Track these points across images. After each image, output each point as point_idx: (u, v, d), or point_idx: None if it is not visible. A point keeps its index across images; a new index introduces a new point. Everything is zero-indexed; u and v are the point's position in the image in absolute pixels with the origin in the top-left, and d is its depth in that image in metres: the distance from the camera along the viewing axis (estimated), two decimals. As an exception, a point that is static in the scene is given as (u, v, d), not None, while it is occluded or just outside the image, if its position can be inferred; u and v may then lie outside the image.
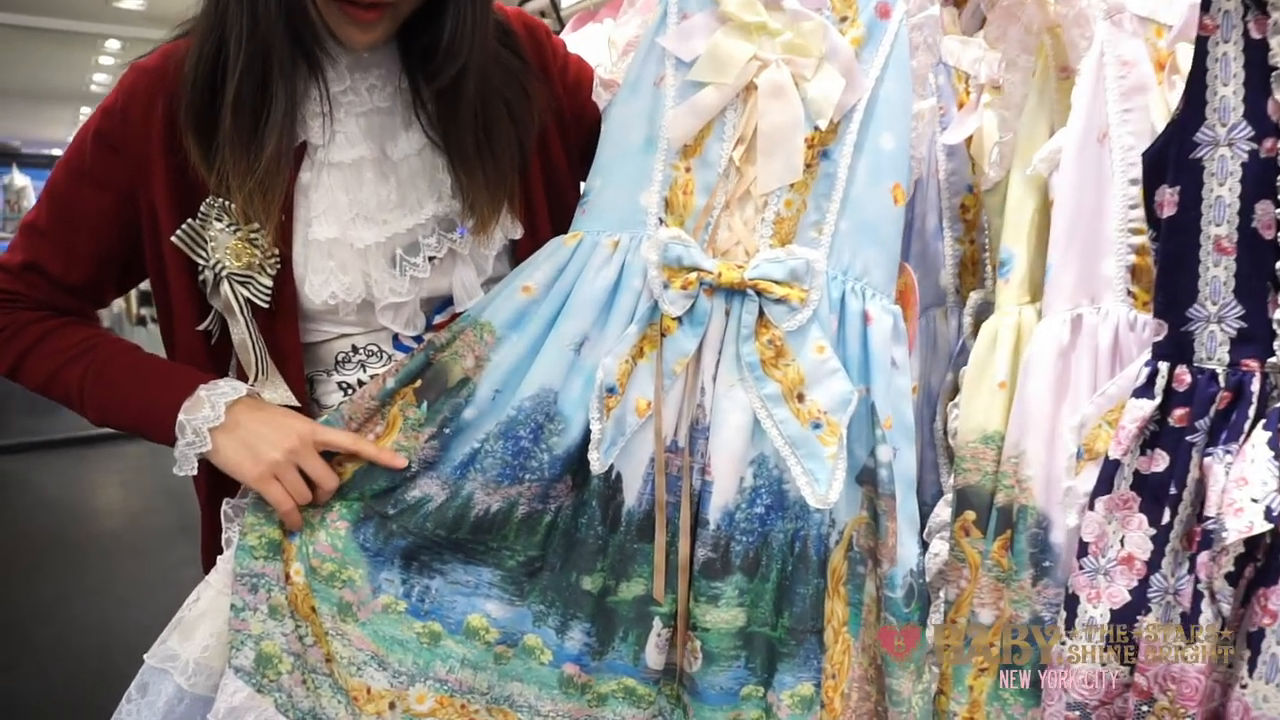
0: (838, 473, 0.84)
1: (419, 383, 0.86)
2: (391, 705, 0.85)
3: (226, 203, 0.82)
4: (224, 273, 0.83)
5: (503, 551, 0.86)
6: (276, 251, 0.84)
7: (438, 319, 0.92)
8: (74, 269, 0.87)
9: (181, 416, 0.83)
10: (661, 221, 0.86)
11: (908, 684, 0.85)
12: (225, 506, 0.86)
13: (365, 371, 0.91)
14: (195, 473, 0.85)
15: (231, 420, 0.83)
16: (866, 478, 0.87)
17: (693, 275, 0.83)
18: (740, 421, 0.84)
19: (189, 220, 0.83)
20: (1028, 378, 0.88)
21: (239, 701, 0.82)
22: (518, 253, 0.92)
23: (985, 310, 0.96)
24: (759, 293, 0.83)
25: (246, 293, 0.84)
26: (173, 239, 0.84)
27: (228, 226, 0.83)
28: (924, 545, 0.91)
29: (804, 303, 0.84)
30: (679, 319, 0.84)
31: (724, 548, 0.85)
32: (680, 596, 0.85)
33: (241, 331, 0.85)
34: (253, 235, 0.83)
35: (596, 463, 0.84)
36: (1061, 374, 0.87)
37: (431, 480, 0.86)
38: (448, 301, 0.92)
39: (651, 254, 0.84)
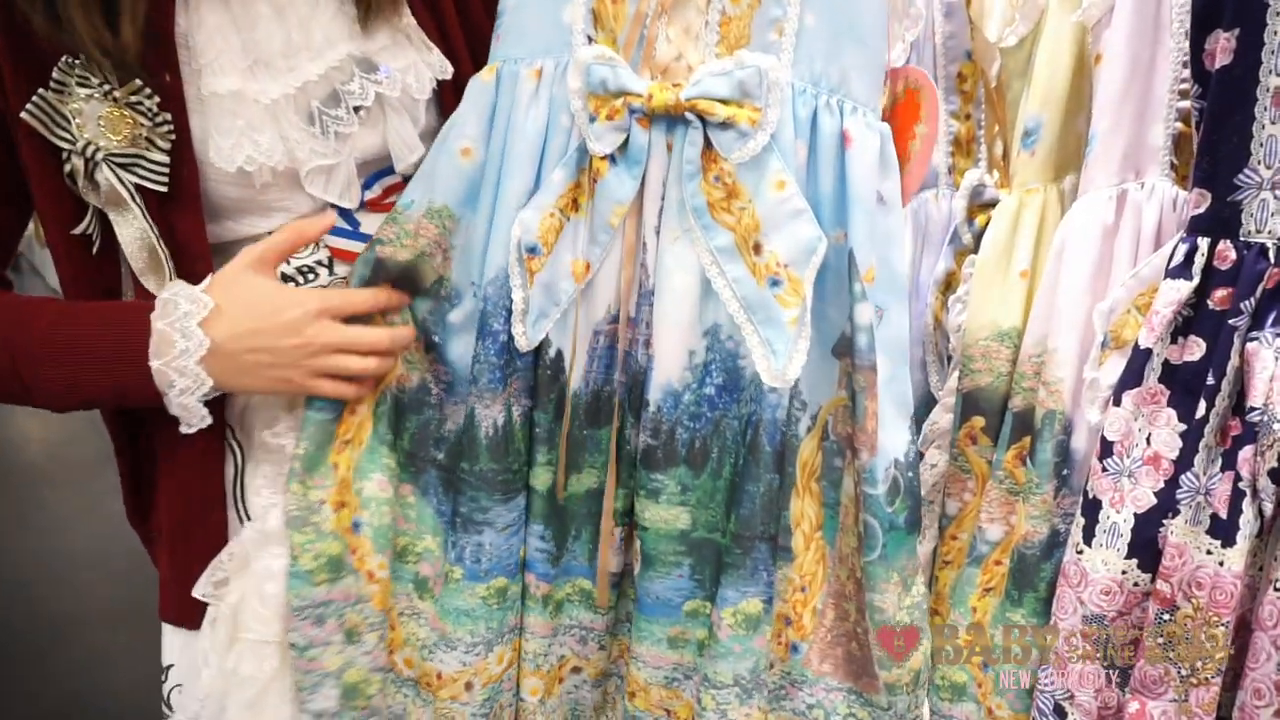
0: (799, 343, 0.70)
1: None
2: (468, 686, 0.77)
3: (89, 61, 0.67)
4: (99, 155, 0.68)
5: (524, 471, 0.77)
6: (168, 116, 0.69)
7: (376, 186, 0.80)
8: None
9: (155, 364, 0.68)
10: (590, 39, 0.71)
11: (892, 599, 0.73)
12: (246, 532, 0.76)
13: (289, 264, 0.76)
14: (211, 421, 0.72)
15: (216, 341, 0.69)
16: (844, 348, 0.72)
17: (620, 101, 0.68)
18: (686, 283, 0.71)
19: (40, 91, 0.67)
20: (1062, 264, 0.79)
21: None
22: (443, 104, 0.80)
23: (980, 193, 0.86)
24: (701, 116, 0.67)
25: (134, 177, 0.69)
26: (23, 115, 0.67)
27: (96, 92, 0.68)
28: (920, 454, 0.79)
29: (756, 125, 0.67)
30: (610, 158, 0.69)
31: (667, 434, 0.72)
32: (608, 488, 0.75)
33: (138, 227, 0.70)
34: (133, 98, 0.68)
35: (522, 338, 0.72)
36: (1101, 260, 0.77)
37: (459, 406, 0.76)
38: (385, 168, 0.80)
39: (574, 80, 0.69)
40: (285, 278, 0.78)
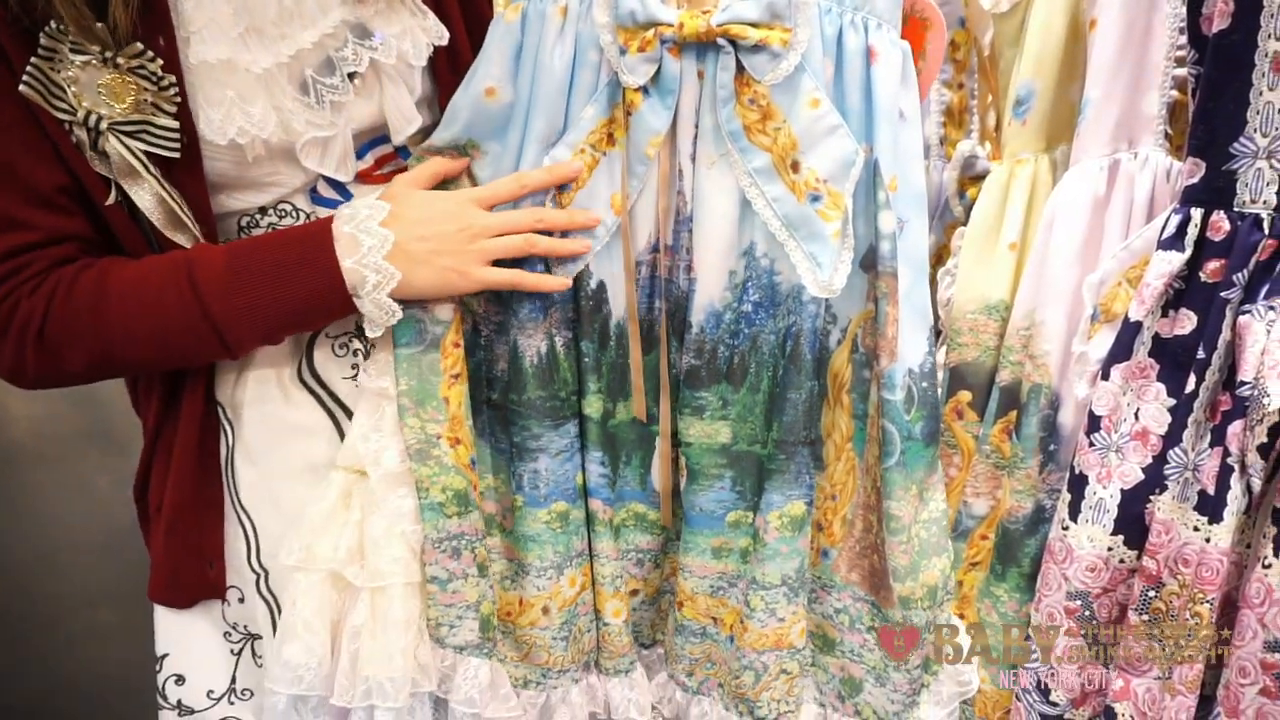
0: (844, 254, 0.71)
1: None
2: (545, 610, 0.79)
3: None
4: (103, 124, 0.66)
5: (572, 398, 0.78)
6: (173, 78, 0.67)
7: (369, 155, 0.77)
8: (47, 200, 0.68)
9: (346, 263, 0.70)
10: None
11: (908, 509, 0.74)
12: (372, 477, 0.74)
13: None
14: (397, 319, 0.73)
15: (398, 237, 0.70)
16: (870, 260, 0.73)
17: (650, 32, 0.68)
18: (725, 206, 0.73)
19: (32, 59, 0.64)
20: (1052, 235, 0.77)
21: (485, 677, 0.76)
22: (438, 74, 0.77)
23: (972, 164, 0.85)
24: (732, 41, 0.68)
25: (143, 145, 0.67)
26: (21, 88, 0.65)
27: (95, 59, 0.65)
28: (935, 366, 0.78)
29: (788, 46, 0.68)
30: (643, 89, 0.70)
31: (709, 353, 0.75)
32: (663, 410, 0.78)
33: (153, 195, 0.69)
34: (135, 62, 0.66)
35: (560, 270, 0.74)
36: (1092, 232, 0.76)
37: (506, 344, 0.78)
38: (378, 138, 0.77)
39: (602, 14, 0.69)
40: None
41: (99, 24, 0.64)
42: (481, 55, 0.74)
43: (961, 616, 0.85)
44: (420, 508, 0.74)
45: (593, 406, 0.78)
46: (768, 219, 0.71)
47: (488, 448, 0.80)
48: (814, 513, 0.79)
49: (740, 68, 0.69)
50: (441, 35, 0.75)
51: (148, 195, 0.69)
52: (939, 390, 0.80)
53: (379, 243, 0.70)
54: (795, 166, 0.71)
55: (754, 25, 0.67)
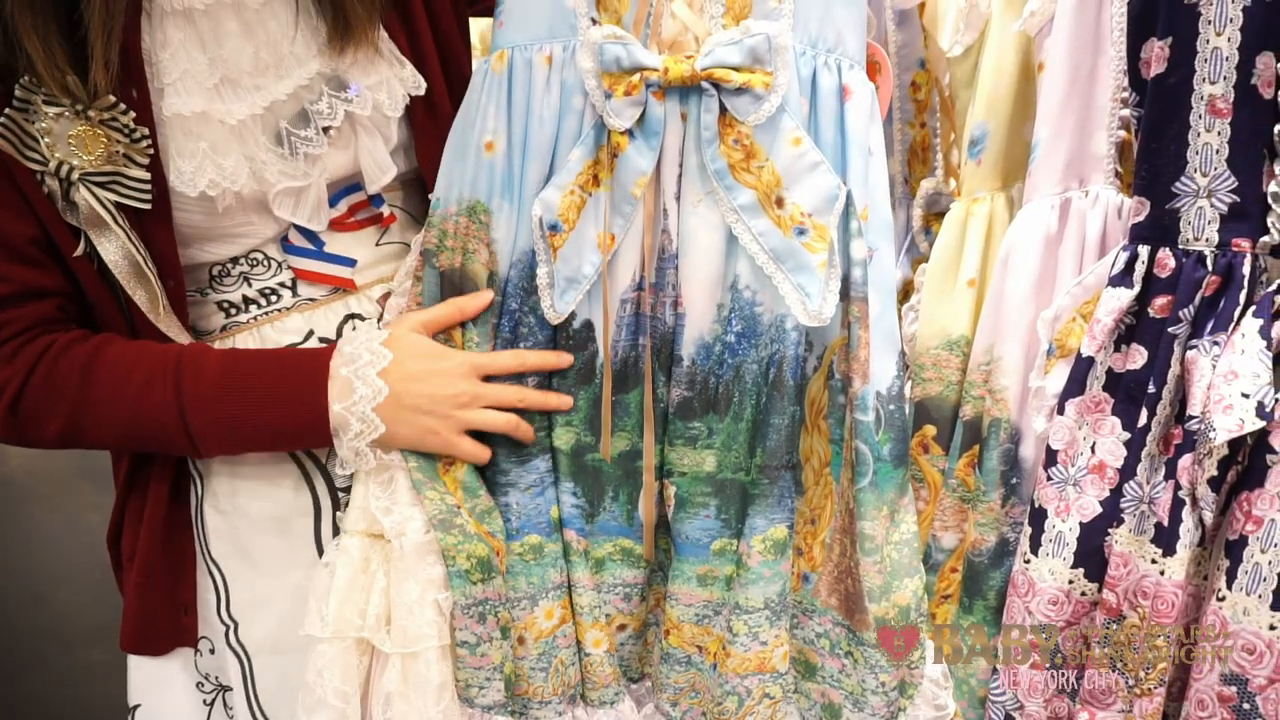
0: (830, 283, 0.74)
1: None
2: (521, 640, 0.79)
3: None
4: (74, 175, 0.66)
5: (539, 433, 0.80)
6: (146, 131, 0.67)
7: (342, 203, 0.79)
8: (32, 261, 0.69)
9: (335, 407, 0.70)
10: (595, 21, 0.73)
11: (880, 529, 0.76)
12: (384, 520, 0.74)
13: (250, 286, 0.77)
14: (369, 467, 0.73)
15: (391, 390, 0.71)
16: (844, 287, 0.76)
17: (636, 77, 0.71)
18: (712, 241, 0.75)
19: (6, 110, 0.66)
20: (1007, 272, 0.79)
21: None
22: (415, 120, 0.79)
23: (936, 201, 0.86)
24: (716, 85, 0.71)
25: (114, 196, 0.67)
26: None
27: (67, 110, 0.66)
28: (904, 389, 0.81)
29: (769, 88, 0.71)
30: (629, 133, 0.72)
31: (700, 384, 0.77)
32: (647, 443, 0.79)
33: (120, 247, 0.69)
34: (107, 114, 0.67)
35: (550, 310, 0.76)
36: (1045, 268, 0.78)
37: None
38: (351, 186, 0.79)
39: (586, 61, 0.72)
40: (247, 300, 0.78)
41: (70, 93, 0.66)
42: (469, 105, 0.75)
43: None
44: (449, 575, 0.74)
45: (562, 439, 0.79)
46: (754, 253, 0.74)
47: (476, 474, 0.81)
48: (795, 537, 0.80)
49: (723, 109, 0.72)
50: (419, 85, 0.76)
51: (113, 247, 0.69)
52: (907, 415, 0.82)
53: (372, 393, 0.71)
54: (780, 202, 0.74)
55: (736, 69, 0.70)
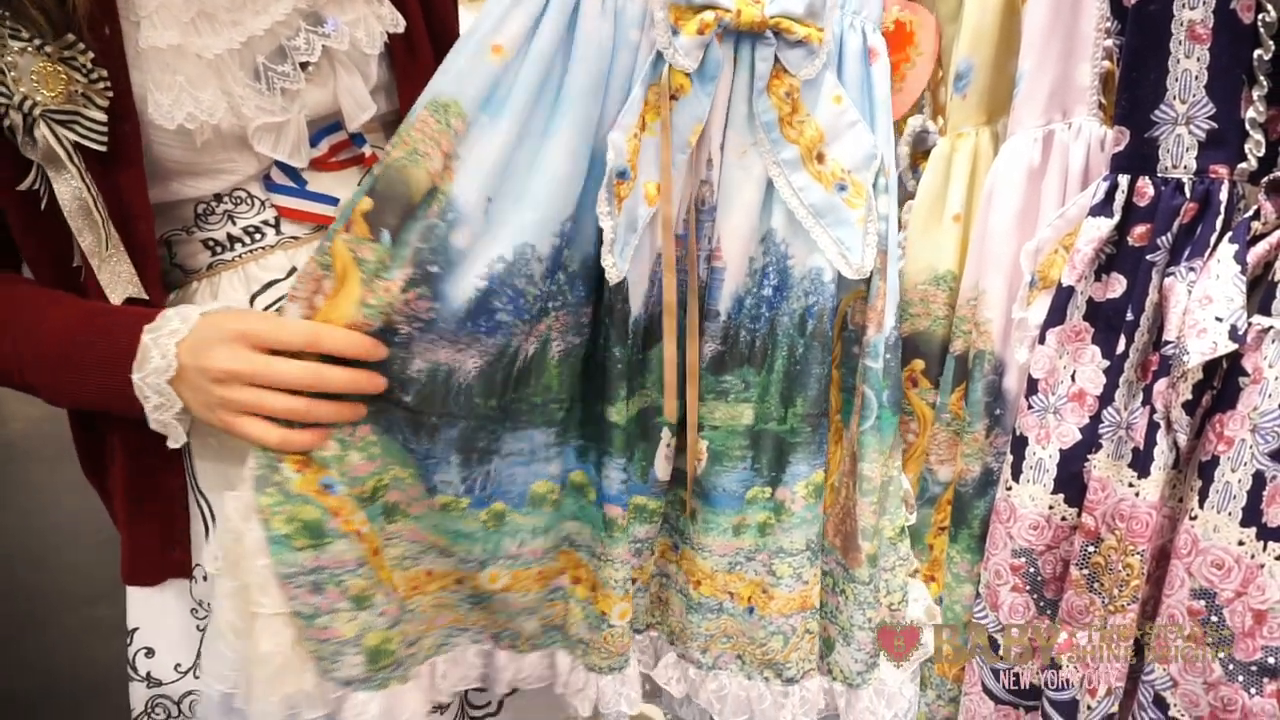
0: (869, 237, 0.75)
1: (368, 202, 0.64)
2: (459, 581, 0.78)
3: (17, 14, 0.64)
4: (36, 111, 0.65)
5: (550, 405, 0.75)
6: (104, 72, 0.66)
7: (324, 143, 0.78)
8: None
9: (135, 377, 0.66)
10: None
11: (878, 469, 0.79)
12: (229, 504, 0.68)
13: (235, 224, 0.76)
14: (183, 441, 0.69)
15: (180, 362, 0.66)
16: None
17: (709, 15, 0.67)
18: (753, 196, 0.74)
19: None
20: (990, 206, 0.80)
21: (375, 710, 0.72)
22: (396, 61, 0.78)
23: (923, 139, 0.87)
24: (777, 34, 0.69)
25: (73, 135, 0.66)
26: None
27: (29, 45, 0.64)
28: (899, 338, 0.84)
29: (822, 44, 0.71)
30: (690, 75, 0.68)
31: (734, 338, 0.77)
32: (690, 400, 0.77)
33: (75, 187, 0.68)
34: (66, 53, 0.65)
35: (613, 270, 0.70)
36: (1029, 201, 0.78)
37: (438, 344, 0.69)
38: (332, 125, 0.78)
39: None
40: (232, 238, 0.78)
41: (37, 10, 0.64)
42: (489, 10, 0.66)
43: (932, 579, 0.87)
44: (268, 539, 0.67)
45: (619, 412, 0.75)
46: (794, 207, 0.74)
47: (395, 443, 0.72)
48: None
49: (774, 60, 0.71)
50: (397, 23, 0.76)
51: (69, 187, 0.68)
52: (899, 362, 0.83)
53: (165, 365, 0.66)
54: (821, 158, 0.74)
55: (799, 21, 0.70)
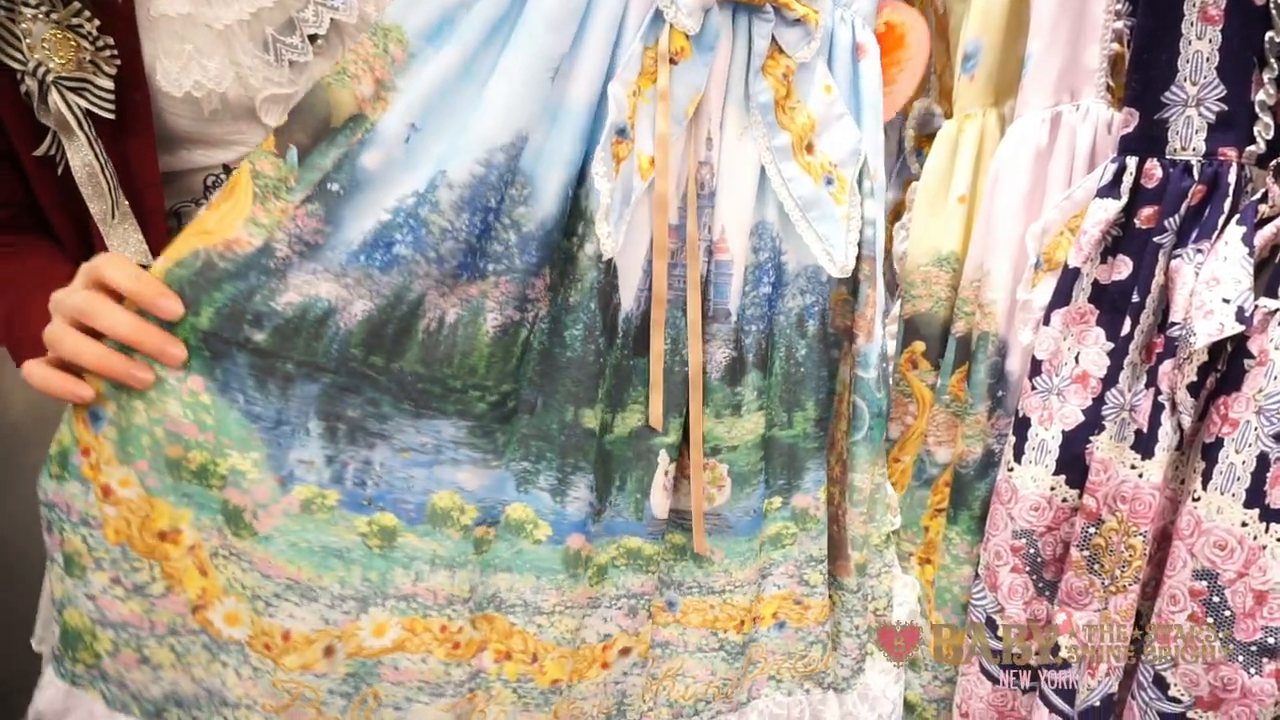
0: (851, 235, 0.71)
1: (284, 119, 0.58)
2: (329, 651, 0.58)
3: None
4: (49, 78, 0.66)
5: (469, 392, 0.61)
6: (110, 40, 0.67)
7: None
8: None
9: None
10: None
11: (868, 480, 0.77)
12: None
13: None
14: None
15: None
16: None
17: None
18: (748, 181, 0.68)
19: None
20: (997, 188, 0.80)
21: (46, 704, 0.57)
22: None
23: (928, 122, 0.87)
24: (777, 10, 0.65)
25: (83, 102, 0.67)
26: None
27: (39, 12, 0.65)
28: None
29: (817, 26, 0.67)
30: (690, 38, 0.62)
31: (742, 342, 0.71)
32: (694, 414, 0.68)
33: (84, 154, 0.68)
34: (73, 20, 0.66)
35: (609, 241, 0.61)
36: (1036, 182, 0.78)
37: (320, 273, 0.57)
38: None
39: None
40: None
41: None
42: None
43: (927, 561, 0.88)
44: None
45: (596, 417, 0.64)
46: (783, 198, 0.69)
47: (233, 410, 0.57)
48: None
49: (771, 39, 0.67)
50: None
51: (80, 154, 0.68)
52: (889, 365, 0.83)
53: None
54: (810, 148, 0.69)
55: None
